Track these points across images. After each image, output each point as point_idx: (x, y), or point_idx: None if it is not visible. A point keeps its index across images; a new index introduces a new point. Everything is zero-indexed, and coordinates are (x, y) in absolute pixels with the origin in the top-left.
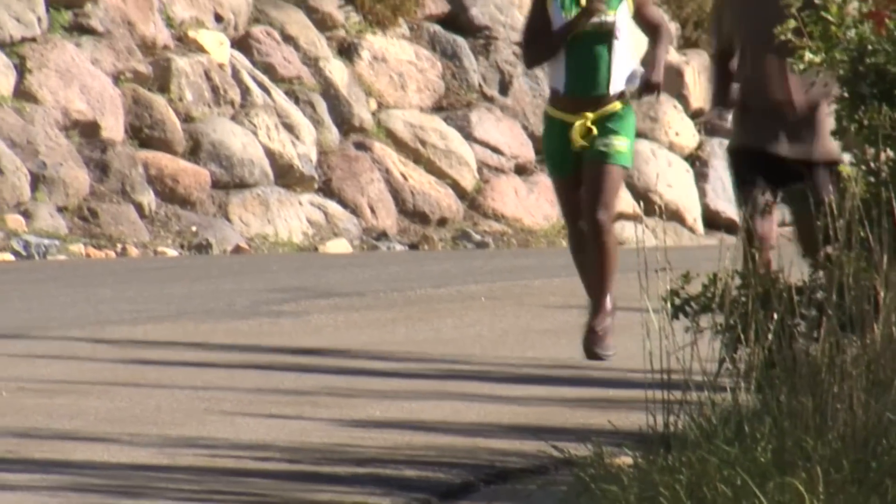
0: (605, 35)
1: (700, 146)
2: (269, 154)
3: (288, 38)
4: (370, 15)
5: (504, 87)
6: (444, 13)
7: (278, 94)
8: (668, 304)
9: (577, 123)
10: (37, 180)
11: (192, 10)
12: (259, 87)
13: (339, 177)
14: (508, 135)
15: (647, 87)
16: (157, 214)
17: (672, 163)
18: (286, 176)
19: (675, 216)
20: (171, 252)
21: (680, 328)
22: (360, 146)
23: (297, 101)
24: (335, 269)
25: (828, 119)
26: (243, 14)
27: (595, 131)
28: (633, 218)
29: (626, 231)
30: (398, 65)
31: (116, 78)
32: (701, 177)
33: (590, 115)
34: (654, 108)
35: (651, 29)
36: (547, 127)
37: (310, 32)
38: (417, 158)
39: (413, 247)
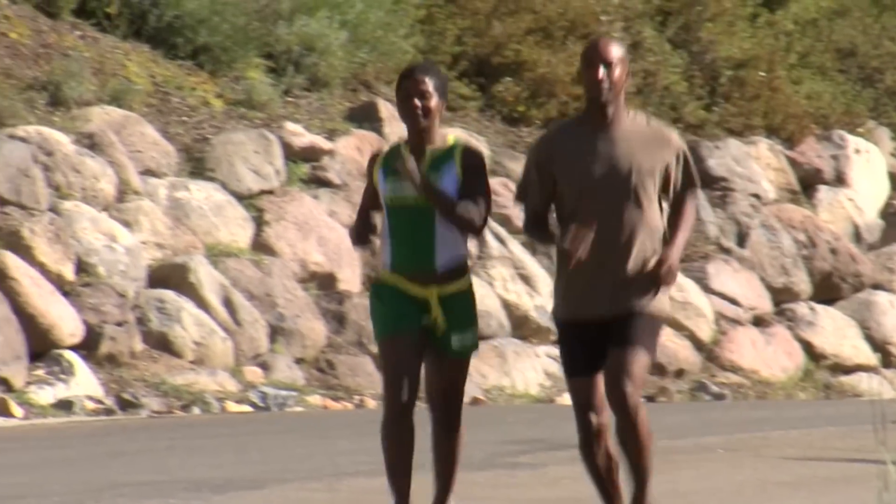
0: (428, 208)
1: None
2: (506, 305)
3: None
4: None
5: (741, 239)
6: None
7: (515, 245)
8: None
9: (434, 303)
10: (275, 332)
11: None
12: (495, 239)
13: None
14: (746, 286)
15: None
16: None
17: None
18: (522, 327)
19: None
20: None
21: None
22: None
23: (533, 251)
24: (572, 420)
25: (656, 272)
26: None
27: (443, 319)
28: (871, 370)
29: (863, 383)
30: None
31: None
32: None
33: (435, 290)
34: (891, 259)
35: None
36: (381, 294)
37: None
38: None
39: (650, 399)
